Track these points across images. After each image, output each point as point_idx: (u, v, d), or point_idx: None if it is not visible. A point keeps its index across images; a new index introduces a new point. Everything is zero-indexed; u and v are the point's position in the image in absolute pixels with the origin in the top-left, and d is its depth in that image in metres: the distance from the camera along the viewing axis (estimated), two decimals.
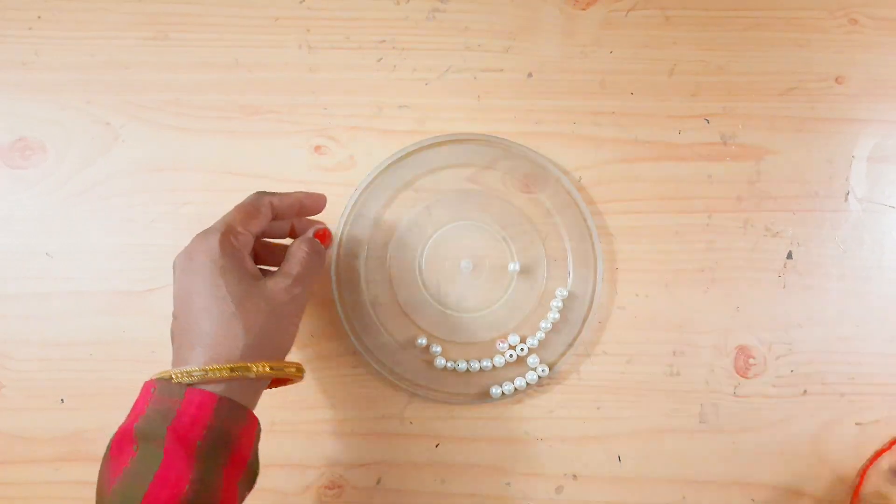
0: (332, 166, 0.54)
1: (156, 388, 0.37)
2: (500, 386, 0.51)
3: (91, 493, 0.51)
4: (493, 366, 0.51)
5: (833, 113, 0.55)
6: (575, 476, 0.51)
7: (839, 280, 0.53)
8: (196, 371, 0.36)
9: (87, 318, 0.52)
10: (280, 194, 0.44)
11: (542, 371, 0.51)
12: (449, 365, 0.51)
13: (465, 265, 0.52)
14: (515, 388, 0.51)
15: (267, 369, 0.38)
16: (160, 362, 0.51)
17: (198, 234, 0.40)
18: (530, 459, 0.51)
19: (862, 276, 0.53)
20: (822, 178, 0.54)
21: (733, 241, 0.53)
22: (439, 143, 0.53)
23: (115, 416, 0.52)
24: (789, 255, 0.53)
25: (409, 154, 0.53)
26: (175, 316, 0.39)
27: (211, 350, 0.37)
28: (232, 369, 0.36)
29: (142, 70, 0.55)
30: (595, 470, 0.51)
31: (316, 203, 0.47)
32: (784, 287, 0.53)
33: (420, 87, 0.55)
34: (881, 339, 0.53)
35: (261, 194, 0.44)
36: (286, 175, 0.54)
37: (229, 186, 0.53)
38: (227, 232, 0.40)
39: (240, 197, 0.53)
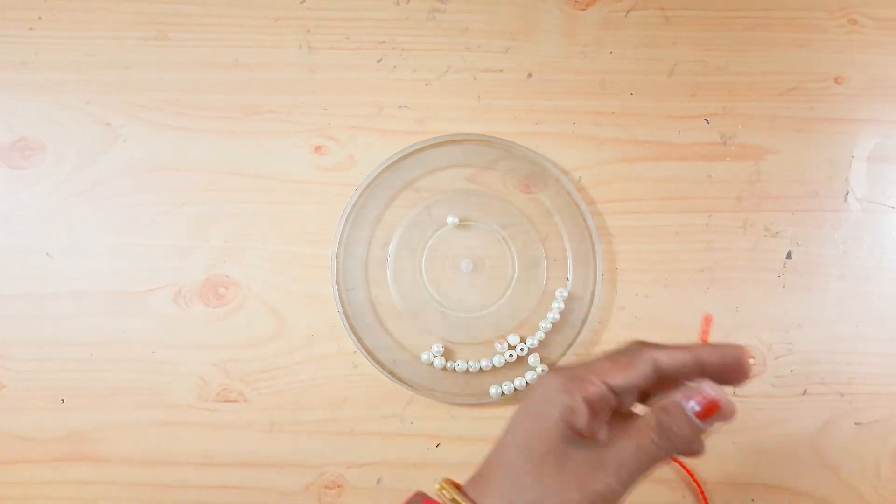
0: (332, 166, 0.54)
1: None
2: (500, 386, 0.51)
3: (91, 493, 0.52)
4: (493, 366, 0.51)
5: (833, 113, 0.55)
6: None
7: (839, 280, 0.53)
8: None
9: (87, 318, 0.52)
10: (671, 349, 0.31)
11: (542, 371, 0.51)
12: (448, 365, 0.51)
13: (465, 265, 0.52)
14: (515, 389, 0.51)
15: None
16: (160, 362, 0.52)
17: (549, 373, 0.33)
18: None
19: (862, 277, 0.53)
20: (821, 178, 0.54)
21: (733, 241, 0.53)
22: (439, 144, 0.53)
23: (115, 417, 0.52)
24: (789, 256, 0.53)
25: (409, 154, 0.53)
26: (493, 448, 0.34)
27: (490, 497, 0.31)
28: None
29: (142, 70, 0.55)
30: None
31: (732, 361, 0.32)
32: (784, 287, 0.53)
33: (420, 87, 0.55)
34: (881, 340, 0.53)
35: (641, 345, 0.32)
36: (286, 175, 0.54)
37: (229, 186, 0.54)
38: (576, 378, 0.31)
39: (240, 197, 0.54)
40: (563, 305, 0.52)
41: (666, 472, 0.50)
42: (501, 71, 0.55)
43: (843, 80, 0.55)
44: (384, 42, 0.55)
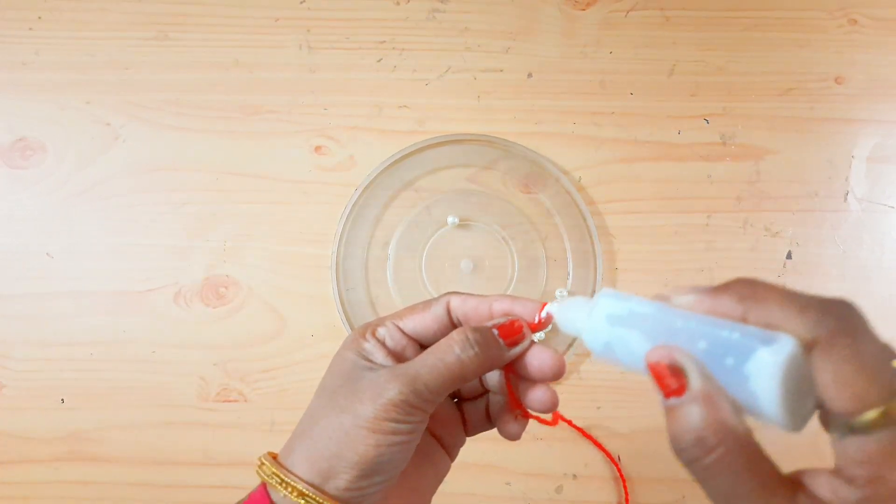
0: (332, 166, 0.54)
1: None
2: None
3: (90, 493, 0.52)
4: None
5: (832, 113, 0.55)
6: (575, 476, 0.51)
7: (839, 280, 0.53)
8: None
9: (88, 318, 0.52)
10: (466, 295, 0.31)
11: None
12: None
13: (465, 265, 0.52)
14: None
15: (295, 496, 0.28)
16: (160, 362, 0.52)
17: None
18: (530, 459, 0.51)
19: (861, 276, 0.53)
20: (821, 178, 0.54)
21: (733, 241, 0.53)
22: (439, 144, 0.53)
23: (114, 416, 0.52)
24: (789, 255, 0.53)
25: (409, 154, 0.53)
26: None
27: (289, 456, 0.30)
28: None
29: (142, 70, 0.55)
30: (595, 470, 0.51)
31: (518, 312, 0.30)
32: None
33: (420, 87, 0.55)
34: None
35: (447, 294, 0.31)
36: (286, 175, 0.54)
37: (229, 186, 0.53)
38: (370, 325, 0.31)
39: (240, 197, 0.54)
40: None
41: (666, 471, 0.50)
42: (501, 71, 0.55)
43: (843, 80, 0.55)
44: (384, 42, 0.55)
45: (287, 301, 0.52)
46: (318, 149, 0.54)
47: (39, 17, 0.56)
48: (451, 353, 0.28)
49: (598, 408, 0.52)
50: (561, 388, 0.52)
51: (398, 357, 0.30)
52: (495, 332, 0.29)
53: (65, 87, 0.55)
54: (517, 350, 0.29)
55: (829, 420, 0.21)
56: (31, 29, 0.55)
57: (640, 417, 0.51)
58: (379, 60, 0.55)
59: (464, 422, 0.35)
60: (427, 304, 0.31)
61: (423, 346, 0.31)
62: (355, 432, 0.28)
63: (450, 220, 0.52)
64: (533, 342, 0.30)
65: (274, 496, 0.29)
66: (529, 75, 0.55)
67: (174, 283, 0.52)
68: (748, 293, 0.22)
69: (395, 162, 0.53)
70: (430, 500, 0.34)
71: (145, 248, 0.53)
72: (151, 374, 0.52)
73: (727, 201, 0.54)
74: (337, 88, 0.55)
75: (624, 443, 0.51)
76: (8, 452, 0.51)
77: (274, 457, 0.30)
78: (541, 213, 0.53)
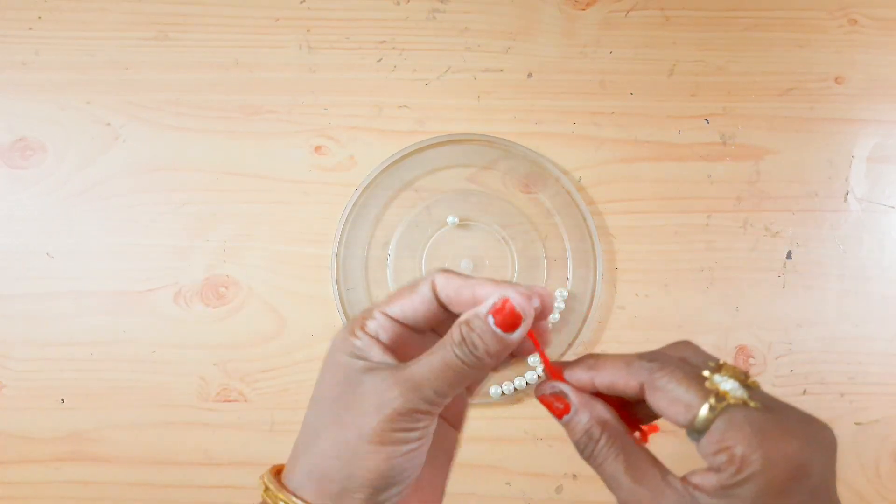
0: (332, 166, 0.54)
1: None
2: (500, 386, 0.51)
3: (91, 493, 0.52)
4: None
5: (832, 113, 0.55)
6: (575, 476, 0.51)
7: (839, 280, 0.53)
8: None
9: (88, 318, 0.52)
10: (452, 275, 0.29)
11: (542, 371, 0.51)
12: None
13: (465, 265, 0.52)
14: (515, 388, 0.51)
15: None
16: (161, 362, 0.52)
17: None
18: (530, 459, 0.51)
19: (861, 276, 0.53)
20: (821, 178, 0.54)
21: (733, 241, 0.53)
22: (439, 144, 0.53)
23: (115, 416, 0.52)
24: (789, 255, 0.53)
25: (409, 154, 0.53)
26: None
27: (303, 477, 0.28)
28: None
29: (142, 70, 0.55)
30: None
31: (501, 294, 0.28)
32: (784, 287, 0.53)
33: (420, 87, 0.55)
34: (881, 339, 0.53)
35: (424, 278, 0.29)
36: (286, 175, 0.54)
37: (229, 186, 0.54)
38: (358, 319, 0.29)
39: (240, 197, 0.54)
40: (563, 305, 0.52)
41: None
42: (501, 71, 0.55)
43: (843, 80, 0.55)
44: (384, 42, 0.55)
45: (287, 301, 0.52)
46: (318, 149, 0.54)
47: (39, 17, 0.56)
48: (452, 356, 0.27)
49: None
50: None
51: (394, 350, 0.28)
52: (490, 320, 0.27)
53: (65, 87, 0.55)
54: (520, 333, 0.27)
55: (689, 436, 0.26)
56: (31, 29, 0.55)
57: None
58: (379, 60, 0.55)
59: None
60: (413, 285, 0.29)
61: (416, 330, 0.29)
62: (363, 448, 0.26)
63: (450, 219, 0.52)
64: (539, 322, 0.29)
65: None
66: (529, 75, 0.55)
67: (174, 283, 0.52)
68: (592, 363, 0.29)
69: (396, 162, 0.53)
70: (447, 481, 0.33)
71: (145, 248, 0.53)
72: (151, 374, 0.52)
73: (727, 201, 0.54)
74: (337, 88, 0.55)
75: None
76: (8, 452, 0.51)
77: (278, 471, 0.29)
78: (541, 213, 0.53)
